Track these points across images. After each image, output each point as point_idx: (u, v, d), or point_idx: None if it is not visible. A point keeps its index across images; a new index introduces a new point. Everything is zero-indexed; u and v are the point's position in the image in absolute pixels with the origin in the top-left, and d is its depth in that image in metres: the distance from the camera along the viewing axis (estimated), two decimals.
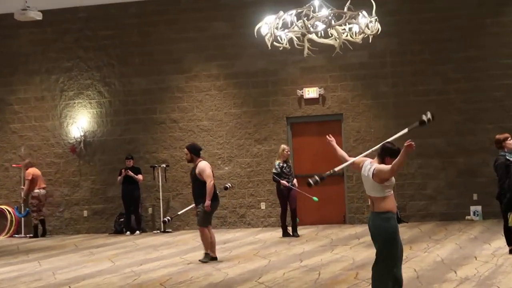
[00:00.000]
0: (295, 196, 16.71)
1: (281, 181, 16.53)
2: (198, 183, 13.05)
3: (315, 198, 16.59)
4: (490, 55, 18.65)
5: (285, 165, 16.67)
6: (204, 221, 13.08)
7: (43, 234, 20.17)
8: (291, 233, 16.79)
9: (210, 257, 13.04)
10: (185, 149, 13.40)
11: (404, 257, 12.07)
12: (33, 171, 20.23)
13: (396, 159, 7.87)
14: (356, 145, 19.12)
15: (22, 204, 20.75)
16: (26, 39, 21.09)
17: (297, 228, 16.88)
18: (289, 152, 16.87)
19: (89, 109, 20.74)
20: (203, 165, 13.06)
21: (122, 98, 20.55)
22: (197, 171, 13.00)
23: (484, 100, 18.63)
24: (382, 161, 8.21)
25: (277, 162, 16.79)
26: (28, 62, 21.07)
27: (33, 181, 20.12)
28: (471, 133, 18.69)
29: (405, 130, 8.70)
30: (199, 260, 12.99)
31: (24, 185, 20.27)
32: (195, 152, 13.18)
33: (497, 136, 12.37)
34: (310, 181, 8.34)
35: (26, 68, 21.09)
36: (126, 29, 20.52)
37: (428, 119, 8.69)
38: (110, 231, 20.23)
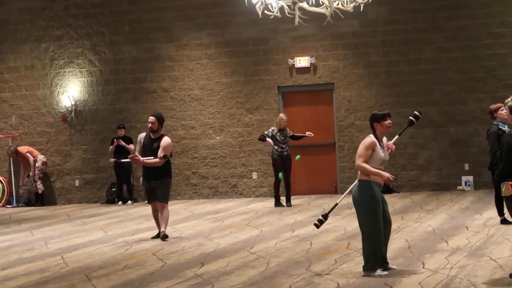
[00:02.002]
0: (289, 166, 16.72)
1: (267, 139, 16.54)
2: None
3: (297, 157, 16.70)
4: (482, 24, 18.56)
5: (279, 133, 16.64)
6: (168, 196, 12.43)
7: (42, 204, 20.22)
8: (283, 203, 16.81)
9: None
10: (152, 117, 12.33)
11: (395, 227, 12.18)
12: (24, 147, 20.23)
13: (367, 169, 8.38)
14: (347, 114, 19.09)
15: (22, 191, 20.85)
16: (15, 7, 20.90)
17: (291, 198, 16.91)
18: (285, 123, 16.77)
19: (79, 78, 20.63)
20: (170, 143, 12.31)
21: (113, 67, 20.43)
22: (161, 145, 12.11)
23: (476, 70, 18.58)
24: (373, 130, 8.57)
25: (272, 128, 16.81)
26: (17, 31, 20.90)
27: (31, 153, 20.18)
28: (463, 102, 18.66)
29: (396, 137, 9.08)
30: (163, 240, 12.11)
31: (23, 174, 20.39)
32: (162, 123, 12.40)
33: (491, 106, 12.45)
34: (317, 222, 9.25)
35: (15, 36, 20.92)
36: None
37: (417, 116, 9.11)
38: (102, 200, 20.23)
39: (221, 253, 10.63)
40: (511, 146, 8.08)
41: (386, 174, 8.45)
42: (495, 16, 18.51)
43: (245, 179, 19.64)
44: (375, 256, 8.44)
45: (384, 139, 8.71)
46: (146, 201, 18.75)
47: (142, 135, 12.49)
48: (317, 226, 9.34)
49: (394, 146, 8.81)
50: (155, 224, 12.62)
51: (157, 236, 12.39)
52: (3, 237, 13.76)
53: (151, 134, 12.35)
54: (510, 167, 8.04)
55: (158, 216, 12.38)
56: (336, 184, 19.26)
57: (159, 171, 12.21)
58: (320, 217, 9.24)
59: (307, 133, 16.85)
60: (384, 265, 8.59)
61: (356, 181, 8.62)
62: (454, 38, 18.67)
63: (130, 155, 12.56)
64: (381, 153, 8.51)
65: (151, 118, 12.35)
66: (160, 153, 12.10)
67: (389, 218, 8.68)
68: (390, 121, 8.63)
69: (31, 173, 20.21)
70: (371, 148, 8.43)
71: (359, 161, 8.42)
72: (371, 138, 8.51)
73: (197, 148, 19.81)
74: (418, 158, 18.79)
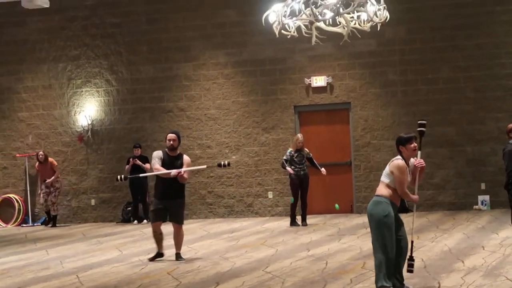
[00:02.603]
0: (307, 186, 16.72)
1: (287, 168, 16.70)
2: None
3: (336, 206, 17.03)
4: (501, 43, 18.52)
5: (296, 154, 16.68)
6: (183, 217, 12.27)
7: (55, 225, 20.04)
8: (299, 223, 16.79)
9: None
10: (173, 134, 12.09)
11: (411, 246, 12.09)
12: (54, 160, 20.09)
13: (409, 196, 8.56)
14: (364, 133, 19.06)
15: (38, 210, 20.84)
16: (34, 27, 21.06)
17: (306, 218, 16.90)
18: (301, 144, 16.75)
19: (96, 97, 20.72)
20: (189, 160, 12.35)
21: (130, 87, 20.51)
22: (185, 162, 12.06)
23: (494, 89, 18.52)
24: (399, 152, 8.59)
25: (289, 149, 16.86)
26: (36, 50, 21.05)
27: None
28: (480, 122, 18.60)
29: (419, 153, 8.92)
30: (177, 260, 12.03)
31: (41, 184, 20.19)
32: (180, 140, 12.33)
33: (508, 125, 12.46)
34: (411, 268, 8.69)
35: (34, 56, 21.07)
36: (134, 17, 20.47)
37: (422, 124, 9.01)
38: (118, 220, 20.24)
39: (236, 272, 10.60)
40: None
41: (415, 198, 8.70)
42: None
43: (260, 199, 19.62)
44: (385, 273, 8.38)
45: (412, 159, 8.69)
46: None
47: (158, 152, 12.23)
48: (412, 271, 8.78)
49: (423, 162, 8.76)
50: (170, 243, 12.54)
51: (156, 257, 12.13)
52: (18, 256, 13.79)
53: (168, 151, 12.16)
54: None
55: (159, 237, 12.16)
56: (352, 203, 19.20)
57: (177, 190, 12.06)
58: (410, 262, 8.67)
59: (322, 170, 16.78)
60: (399, 285, 8.53)
61: (377, 197, 8.48)
62: (472, 57, 18.62)
63: (180, 173, 11.89)
64: (408, 176, 8.52)
65: (172, 136, 12.13)
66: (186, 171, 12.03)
67: (405, 238, 8.63)
68: (416, 144, 8.60)
69: (47, 181, 19.86)
70: (406, 172, 8.43)
71: (404, 188, 8.42)
72: (402, 162, 8.46)
73: (212, 168, 19.81)
74: (434, 177, 18.71)
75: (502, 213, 16.83)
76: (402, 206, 18.06)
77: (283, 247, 13.22)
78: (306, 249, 12.68)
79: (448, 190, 18.70)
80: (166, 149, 12.21)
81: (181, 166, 12.00)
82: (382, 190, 8.50)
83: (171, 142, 12.10)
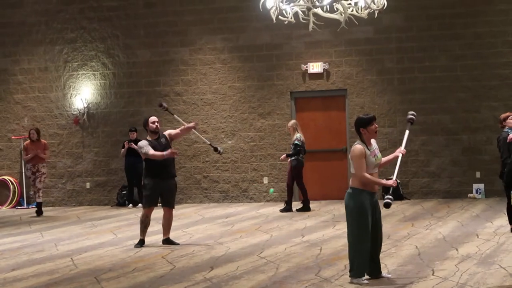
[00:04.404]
0: (294, 173, 16.76)
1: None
2: None
3: (271, 190, 17.53)
4: (498, 32, 18.52)
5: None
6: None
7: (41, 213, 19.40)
8: (293, 209, 16.83)
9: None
10: (156, 117, 12.22)
11: (405, 233, 12.16)
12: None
13: (370, 179, 8.27)
14: None
15: (32, 193, 20.44)
16: (30, 8, 20.98)
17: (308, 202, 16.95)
18: (289, 129, 16.88)
19: (93, 80, 20.68)
20: (169, 131, 12.38)
21: (126, 70, 20.47)
22: (169, 137, 12.10)
23: (490, 78, 18.53)
24: (359, 134, 8.49)
25: None
26: (32, 32, 20.98)
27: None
28: (476, 110, 18.61)
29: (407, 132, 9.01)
30: (174, 244, 12.01)
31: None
32: None
33: (501, 115, 12.57)
34: (390, 201, 8.21)
35: (30, 38, 21.00)
36: (131, 0, 20.39)
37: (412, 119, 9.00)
38: (113, 203, 20.25)
39: (230, 257, 10.62)
40: None
41: (389, 183, 8.36)
42: (511, 24, 18.44)
43: (256, 184, 19.63)
44: (360, 264, 8.39)
45: (373, 141, 8.60)
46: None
47: (144, 141, 12.01)
48: (388, 206, 8.43)
49: (405, 151, 8.77)
50: (156, 228, 12.50)
51: (142, 244, 12.00)
52: (13, 238, 13.80)
53: (151, 136, 12.02)
54: None
55: (149, 222, 12.04)
56: (347, 189, 19.17)
57: (172, 168, 12.11)
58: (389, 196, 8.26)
59: (281, 157, 17.03)
60: (376, 273, 8.55)
61: (350, 189, 8.50)
62: (469, 46, 18.62)
63: (171, 150, 11.86)
64: (371, 158, 8.39)
65: (156, 118, 12.17)
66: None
67: (380, 228, 8.60)
68: (377, 125, 8.58)
69: (41, 155, 19.04)
70: (363, 156, 8.35)
71: (361, 172, 8.29)
72: (359, 146, 8.38)
73: (208, 152, 19.80)
74: (430, 165, 18.73)
75: (496, 202, 16.88)
76: (396, 193, 18.19)
77: (277, 232, 13.24)
78: (301, 235, 12.71)
79: (443, 178, 18.72)
80: (148, 136, 12.07)
81: (168, 144, 11.99)
82: (352, 180, 8.49)
83: (156, 123, 12.03)
